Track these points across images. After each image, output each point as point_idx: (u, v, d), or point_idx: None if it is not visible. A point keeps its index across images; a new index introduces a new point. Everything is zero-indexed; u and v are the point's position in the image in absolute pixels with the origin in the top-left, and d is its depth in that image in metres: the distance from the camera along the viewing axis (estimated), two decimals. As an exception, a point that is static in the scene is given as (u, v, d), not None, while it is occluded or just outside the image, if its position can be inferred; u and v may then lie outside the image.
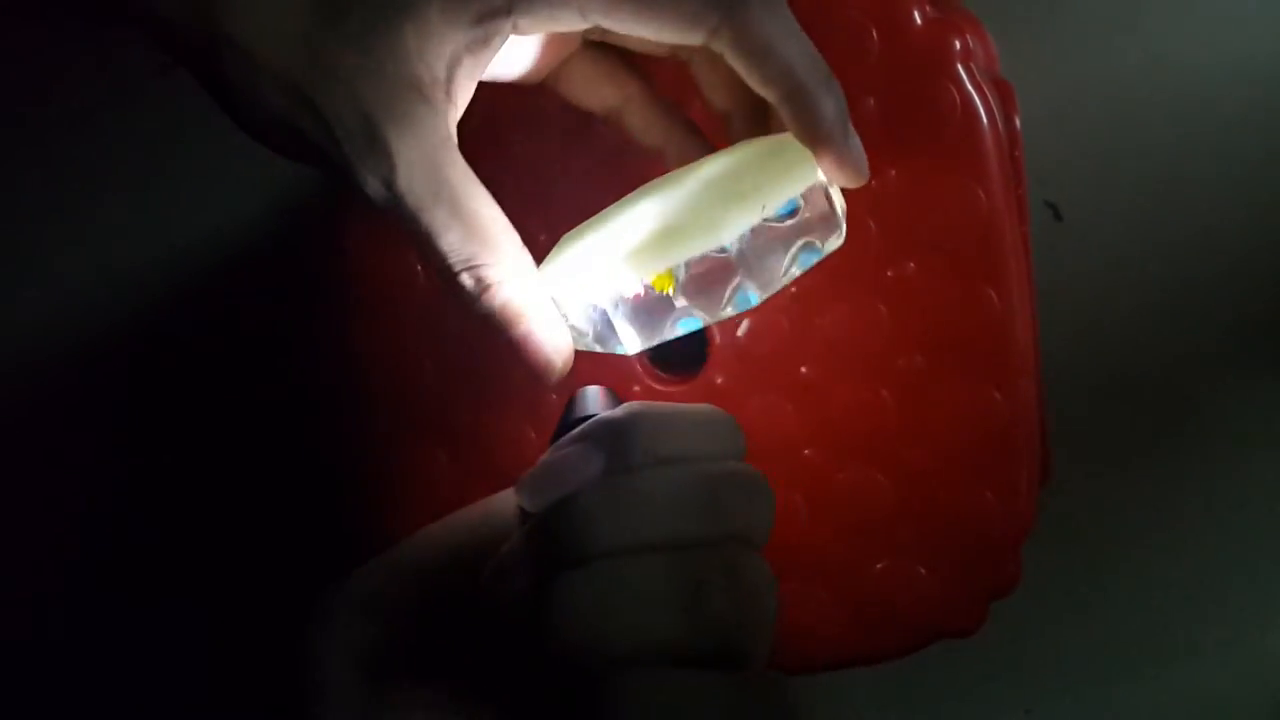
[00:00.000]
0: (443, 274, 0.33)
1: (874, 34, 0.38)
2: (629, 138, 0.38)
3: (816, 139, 0.33)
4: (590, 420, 0.32)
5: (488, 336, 0.34)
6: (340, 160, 0.31)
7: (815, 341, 0.40)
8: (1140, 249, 0.48)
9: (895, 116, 0.39)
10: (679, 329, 0.35)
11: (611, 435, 0.31)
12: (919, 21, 0.38)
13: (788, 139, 0.33)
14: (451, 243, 0.32)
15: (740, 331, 0.40)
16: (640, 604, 0.28)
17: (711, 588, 0.29)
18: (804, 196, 0.33)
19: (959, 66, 0.38)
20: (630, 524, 0.29)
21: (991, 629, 0.40)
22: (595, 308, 0.34)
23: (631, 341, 0.34)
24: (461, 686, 0.34)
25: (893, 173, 0.39)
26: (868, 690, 0.50)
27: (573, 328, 0.35)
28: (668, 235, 0.33)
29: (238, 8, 0.30)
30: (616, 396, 0.34)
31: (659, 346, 0.41)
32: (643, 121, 0.37)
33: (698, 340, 0.40)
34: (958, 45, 0.38)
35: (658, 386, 0.41)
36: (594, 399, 0.34)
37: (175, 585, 0.54)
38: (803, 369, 0.40)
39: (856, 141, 0.34)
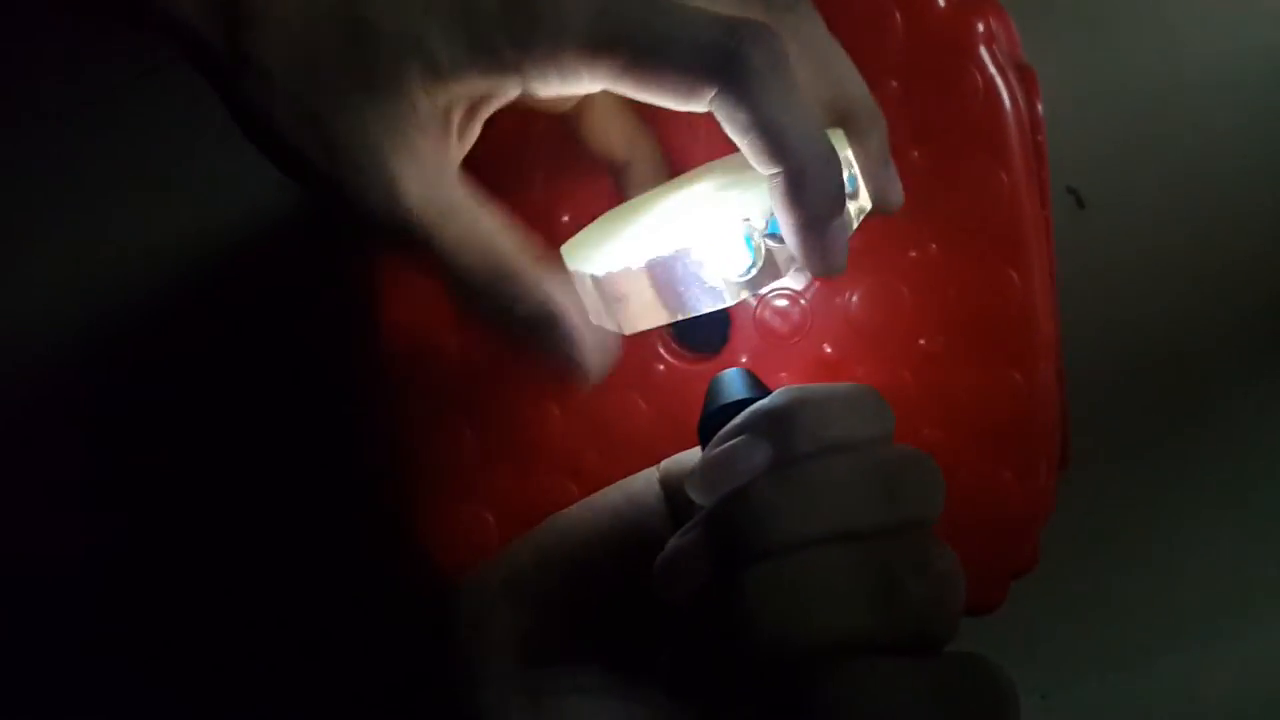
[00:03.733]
0: (467, 297, 0.33)
1: (897, 16, 0.39)
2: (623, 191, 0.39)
3: (795, 225, 0.31)
4: (749, 410, 0.32)
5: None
6: (343, 188, 0.32)
7: (837, 321, 0.40)
8: (1162, 237, 0.48)
9: (918, 98, 0.39)
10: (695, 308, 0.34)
11: (776, 424, 0.31)
12: (942, 4, 0.38)
13: None
14: (468, 264, 0.33)
15: (762, 310, 0.41)
16: (835, 594, 0.29)
17: (904, 575, 0.29)
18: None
19: (982, 49, 0.38)
20: (811, 514, 0.29)
21: (1008, 612, 0.41)
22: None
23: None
24: (618, 671, 0.35)
25: (915, 154, 0.39)
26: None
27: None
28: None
29: (266, 32, 0.31)
30: (756, 377, 0.34)
31: (681, 325, 0.41)
32: (640, 181, 0.38)
33: (720, 318, 0.41)
34: (981, 28, 0.38)
35: (679, 364, 0.41)
36: (737, 383, 0.34)
37: (199, 569, 0.54)
38: (825, 348, 0.40)
39: (840, 233, 0.32)
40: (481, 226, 0.33)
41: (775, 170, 0.31)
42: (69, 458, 0.54)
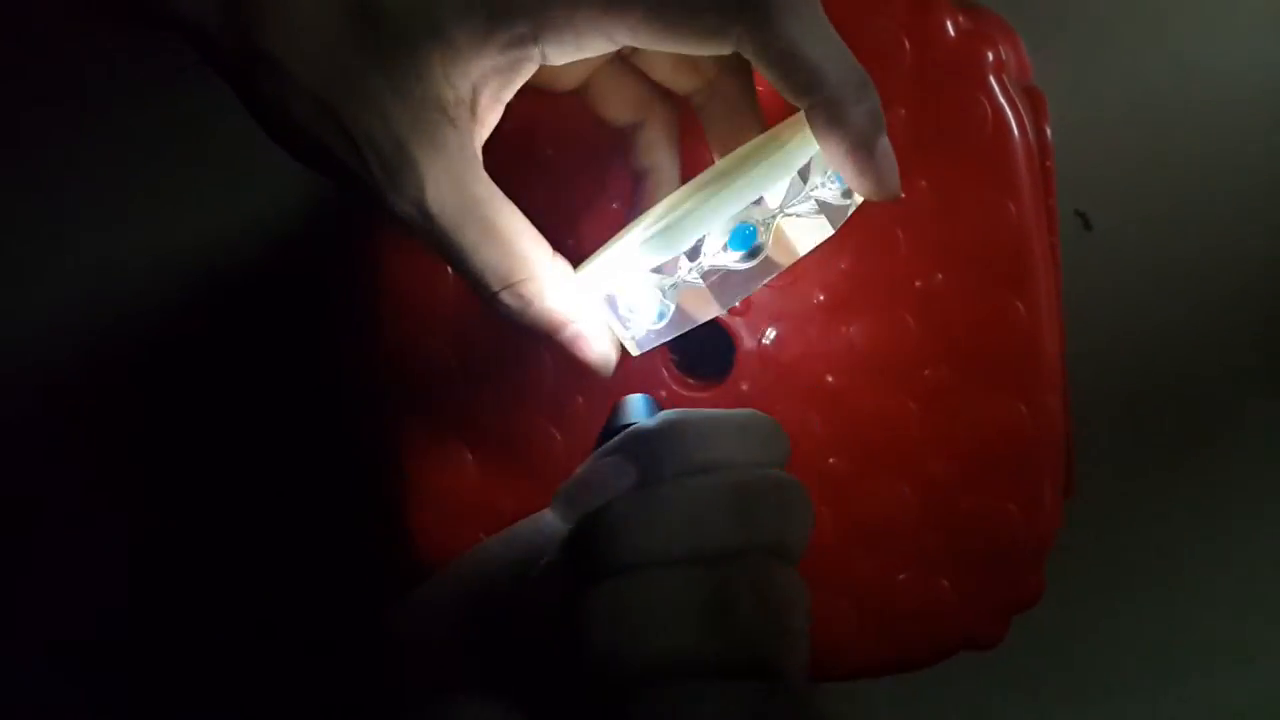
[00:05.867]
0: (483, 294, 0.34)
1: (906, 44, 0.38)
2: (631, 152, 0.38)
3: (844, 150, 0.31)
4: (626, 432, 0.32)
5: (525, 340, 0.35)
6: (368, 180, 0.32)
7: (842, 350, 0.40)
8: (1169, 258, 0.47)
9: (926, 127, 0.38)
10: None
11: (644, 445, 0.31)
12: (952, 33, 0.38)
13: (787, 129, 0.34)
14: (487, 261, 0.33)
15: (767, 339, 0.40)
16: (667, 616, 0.29)
17: (738, 599, 0.29)
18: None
19: (991, 78, 0.38)
20: (658, 535, 0.29)
21: (1012, 640, 0.40)
22: (613, 304, 0.34)
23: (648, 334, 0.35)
24: (509, 696, 0.34)
25: (923, 183, 0.39)
26: (889, 701, 0.50)
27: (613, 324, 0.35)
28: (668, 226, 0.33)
29: (276, 26, 0.31)
30: (658, 404, 0.34)
31: (686, 354, 0.41)
32: (645, 144, 0.38)
33: (724, 347, 0.41)
34: (990, 57, 0.38)
35: (684, 393, 0.41)
36: (635, 407, 0.34)
37: (194, 587, 0.54)
38: (829, 378, 0.40)
39: (887, 154, 0.32)
40: (502, 222, 0.33)
41: (812, 99, 0.31)
42: (72, 460, 0.54)
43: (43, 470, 0.54)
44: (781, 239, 0.33)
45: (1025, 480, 0.39)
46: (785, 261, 0.34)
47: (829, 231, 0.34)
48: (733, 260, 0.33)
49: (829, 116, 0.31)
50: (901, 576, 0.40)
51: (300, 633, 0.53)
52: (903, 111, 0.38)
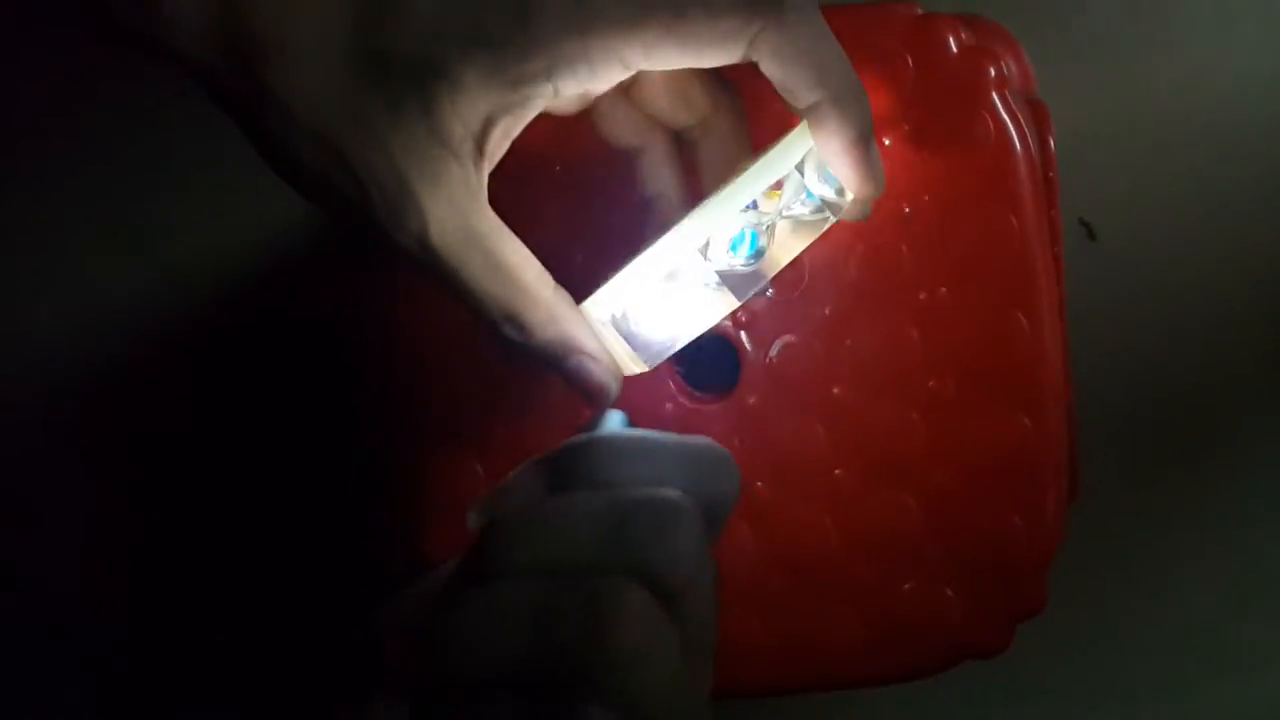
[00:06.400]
0: (488, 324, 0.34)
1: (909, 61, 0.38)
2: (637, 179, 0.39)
3: (844, 146, 0.33)
4: (562, 445, 0.32)
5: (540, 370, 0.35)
6: (372, 215, 0.32)
7: (847, 363, 0.40)
8: (1174, 267, 0.48)
9: (930, 142, 0.39)
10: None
11: (560, 460, 0.31)
12: (954, 49, 0.38)
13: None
14: (490, 293, 0.33)
15: (772, 352, 0.41)
16: (495, 628, 0.28)
17: (563, 615, 0.28)
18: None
19: (994, 94, 0.38)
20: (529, 547, 0.29)
21: (1017, 647, 0.41)
22: (622, 324, 0.35)
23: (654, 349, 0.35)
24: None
25: (926, 198, 0.39)
26: (894, 709, 0.50)
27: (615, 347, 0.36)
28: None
29: (278, 63, 0.31)
30: (630, 423, 0.34)
31: (692, 367, 0.41)
32: (650, 170, 0.38)
33: (730, 360, 0.41)
34: (993, 73, 0.38)
35: (690, 405, 0.41)
36: (606, 424, 0.34)
37: (195, 587, 0.54)
38: (834, 390, 0.40)
39: (876, 152, 0.34)
40: (504, 255, 0.33)
41: (819, 97, 0.32)
42: (72, 460, 0.54)
43: (43, 470, 0.54)
44: (780, 239, 0.35)
45: (1028, 491, 0.40)
46: (785, 259, 0.35)
47: (822, 229, 0.35)
48: (738, 263, 0.34)
49: (832, 113, 0.32)
50: (906, 586, 0.40)
51: (300, 635, 0.54)
52: (906, 127, 0.39)
